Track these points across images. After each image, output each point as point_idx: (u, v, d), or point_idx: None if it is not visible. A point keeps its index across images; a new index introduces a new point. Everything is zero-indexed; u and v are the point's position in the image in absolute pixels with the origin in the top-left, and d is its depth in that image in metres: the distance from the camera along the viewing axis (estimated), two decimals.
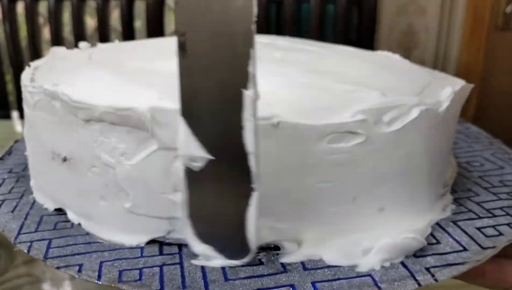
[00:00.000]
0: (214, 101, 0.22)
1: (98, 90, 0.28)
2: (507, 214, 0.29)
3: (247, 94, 0.22)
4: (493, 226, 0.27)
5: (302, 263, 0.25)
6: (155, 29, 0.81)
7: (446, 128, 0.30)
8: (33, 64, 0.36)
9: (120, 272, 0.25)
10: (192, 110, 0.23)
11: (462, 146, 0.41)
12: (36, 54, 0.84)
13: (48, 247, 0.27)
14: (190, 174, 0.24)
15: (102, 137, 0.27)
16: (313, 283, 0.24)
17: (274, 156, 0.24)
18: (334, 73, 0.31)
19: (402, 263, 0.25)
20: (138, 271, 0.25)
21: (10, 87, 0.89)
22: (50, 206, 0.31)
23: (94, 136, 0.27)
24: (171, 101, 0.24)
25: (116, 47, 0.41)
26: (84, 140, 0.28)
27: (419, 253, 0.26)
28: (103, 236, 0.28)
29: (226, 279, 0.24)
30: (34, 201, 0.33)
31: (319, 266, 0.25)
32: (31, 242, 0.28)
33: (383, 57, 0.39)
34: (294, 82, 0.29)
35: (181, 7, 0.21)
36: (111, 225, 0.28)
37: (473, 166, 0.36)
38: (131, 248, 0.27)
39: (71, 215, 0.30)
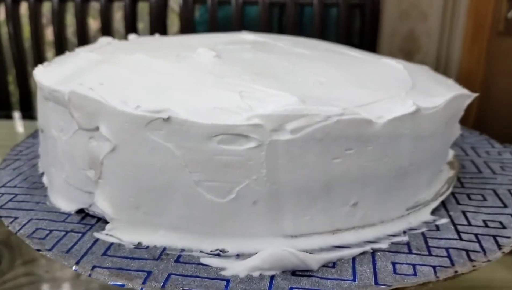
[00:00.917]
0: None
1: (63, 72, 0.32)
2: (447, 256, 0.27)
3: None
4: (413, 265, 0.26)
5: (180, 255, 0.26)
6: (158, 31, 0.81)
7: (388, 146, 0.27)
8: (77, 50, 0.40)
9: (36, 229, 0.28)
10: None
11: (483, 174, 0.37)
12: (39, 54, 0.85)
13: (10, 200, 0.32)
14: None
15: (52, 113, 0.30)
16: (170, 274, 0.24)
17: (164, 149, 0.26)
18: (281, 78, 0.30)
19: (272, 277, 0.25)
20: (48, 231, 0.28)
21: (12, 87, 0.89)
22: (40, 169, 0.37)
23: (48, 112, 0.31)
24: (106, 89, 0.28)
25: (141, 41, 0.44)
26: (45, 115, 0.32)
27: (300, 273, 0.25)
28: (51, 199, 0.32)
29: (104, 254, 0.26)
30: (37, 164, 0.38)
31: (191, 261, 0.26)
32: (3, 194, 0.33)
33: (379, 65, 0.37)
34: (221, 82, 0.29)
35: None
36: (56, 191, 0.32)
37: (471, 198, 0.34)
38: (63, 213, 0.31)
39: (44, 178, 0.35)
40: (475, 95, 0.34)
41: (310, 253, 0.26)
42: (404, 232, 0.29)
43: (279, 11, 0.82)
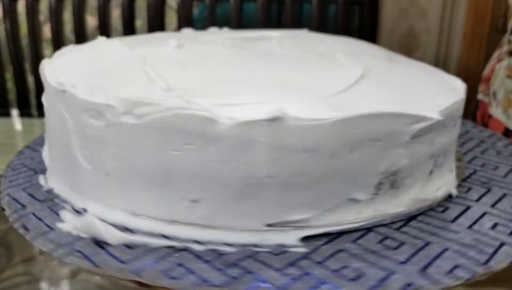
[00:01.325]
0: None
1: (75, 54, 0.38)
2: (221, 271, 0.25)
3: None
4: (189, 270, 0.25)
5: (52, 204, 0.32)
6: (156, 29, 0.82)
7: (236, 151, 0.26)
8: None
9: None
10: None
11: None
12: (36, 52, 0.85)
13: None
14: None
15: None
16: (32, 213, 0.30)
17: (63, 117, 0.31)
18: (201, 73, 0.32)
19: (82, 239, 0.28)
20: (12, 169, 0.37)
21: (10, 85, 0.89)
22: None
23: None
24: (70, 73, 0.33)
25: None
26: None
27: (102, 243, 0.27)
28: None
29: (23, 189, 0.34)
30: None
31: (53, 209, 0.31)
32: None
33: (346, 70, 0.34)
34: (140, 68, 0.32)
35: None
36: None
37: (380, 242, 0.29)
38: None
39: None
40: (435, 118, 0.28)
41: (136, 234, 0.28)
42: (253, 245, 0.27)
43: (278, 8, 0.82)
